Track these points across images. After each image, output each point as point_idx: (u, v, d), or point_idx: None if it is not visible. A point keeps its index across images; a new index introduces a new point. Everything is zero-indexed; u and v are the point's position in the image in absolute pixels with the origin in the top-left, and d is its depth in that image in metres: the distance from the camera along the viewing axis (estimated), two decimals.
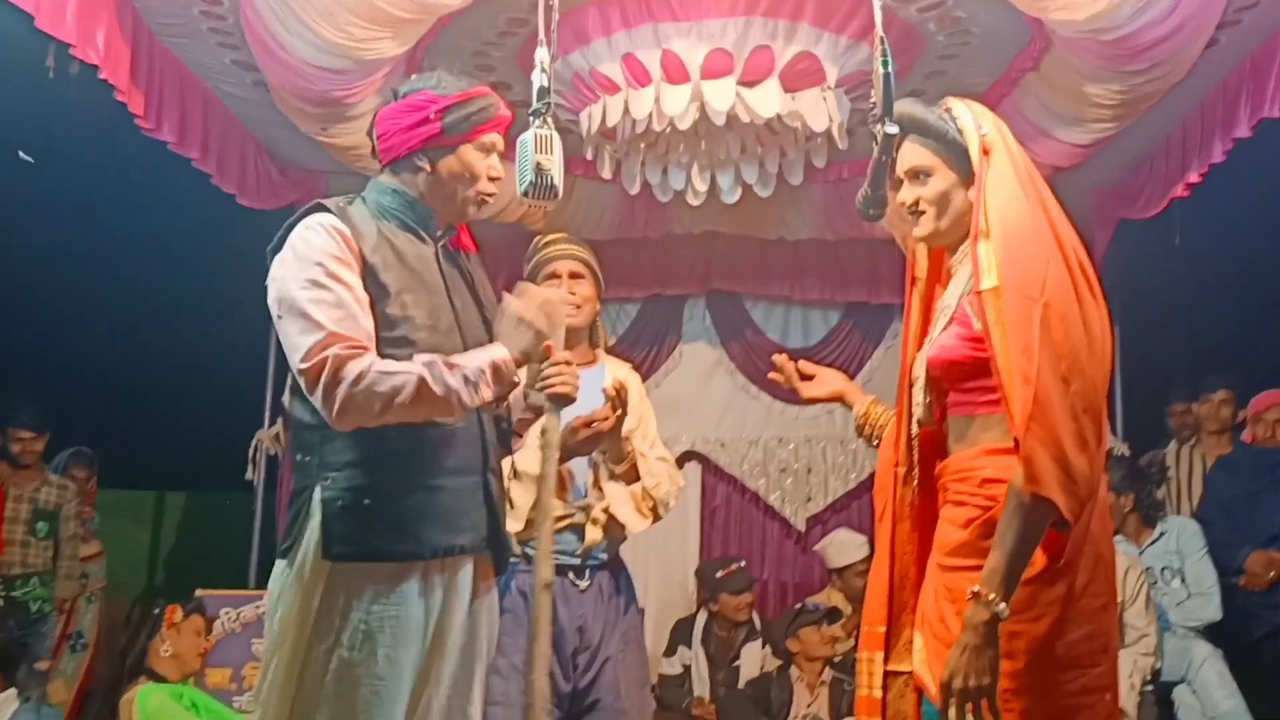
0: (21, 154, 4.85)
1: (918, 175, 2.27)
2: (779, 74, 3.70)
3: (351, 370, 2.00)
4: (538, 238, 3.41)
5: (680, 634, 5.43)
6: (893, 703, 2.28)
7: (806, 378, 2.81)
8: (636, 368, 3.54)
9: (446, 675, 2.18)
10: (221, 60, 4.08)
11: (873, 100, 2.38)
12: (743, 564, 5.41)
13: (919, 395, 2.35)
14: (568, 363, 2.33)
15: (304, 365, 2.02)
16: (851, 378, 2.92)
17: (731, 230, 5.75)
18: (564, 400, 2.34)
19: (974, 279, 2.11)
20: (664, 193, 4.32)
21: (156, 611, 4.09)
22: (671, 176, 4.24)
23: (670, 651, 5.41)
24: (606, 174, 4.31)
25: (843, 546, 5.57)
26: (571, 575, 3.09)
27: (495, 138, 2.29)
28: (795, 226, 5.69)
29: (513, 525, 3.02)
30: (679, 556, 6.09)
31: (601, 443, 2.87)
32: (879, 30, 2.45)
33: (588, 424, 2.74)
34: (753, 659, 5.19)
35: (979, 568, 2.03)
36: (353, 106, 3.85)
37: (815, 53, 3.72)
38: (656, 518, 3.17)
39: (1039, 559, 2.05)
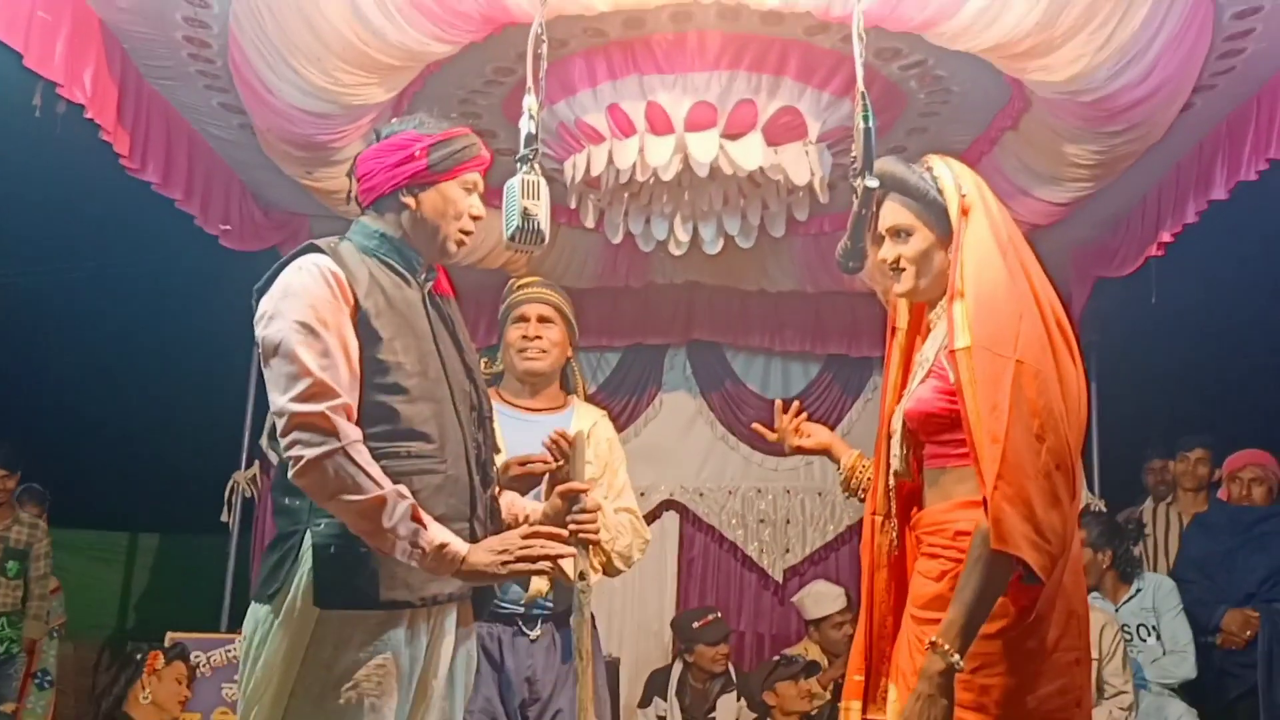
0: None
1: (899, 234, 2.30)
2: (762, 127, 3.74)
3: (343, 439, 1.98)
4: (512, 280, 3.41)
5: (655, 685, 5.38)
6: None
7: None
8: (612, 416, 3.51)
9: None
10: (209, 102, 4.09)
11: (853, 155, 2.41)
12: (719, 615, 5.38)
13: (896, 447, 2.36)
14: (593, 510, 2.49)
15: (294, 408, 1.99)
16: (831, 429, 2.94)
17: (713, 281, 5.79)
18: (587, 544, 2.45)
19: (949, 338, 2.14)
20: (646, 242, 4.35)
21: (139, 657, 4.01)
22: (654, 226, 4.27)
23: (645, 703, 5.36)
24: (590, 223, 4.34)
25: (820, 598, 5.55)
26: (521, 624, 3.05)
27: (477, 177, 2.31)
28: (776, 278, 5.73)
29: None
30: (655, 606, 6.06)
31: (534, 485, 2.74)
32: (860, 86, 2.49)
33: (522, 463, 2.63)
34: (728, 711, 5.15)
35: None
36: (338, 151, 3.87)
37: (798, 107, 3.77)
38: (614, 571, 3.11)
39: (1010, 613, 2.06)
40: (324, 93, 3.43)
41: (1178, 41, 3.20)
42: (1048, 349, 2.12)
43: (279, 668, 2.04)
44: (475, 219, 2.31)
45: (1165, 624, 4.74)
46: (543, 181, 2.30)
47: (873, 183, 2.34)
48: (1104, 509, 5.57)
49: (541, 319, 3.21)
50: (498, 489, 2.46)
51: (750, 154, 3.74)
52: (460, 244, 2.31)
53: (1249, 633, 4.69)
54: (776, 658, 5.01)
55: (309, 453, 1.97)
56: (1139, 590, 4.81)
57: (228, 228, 4.59)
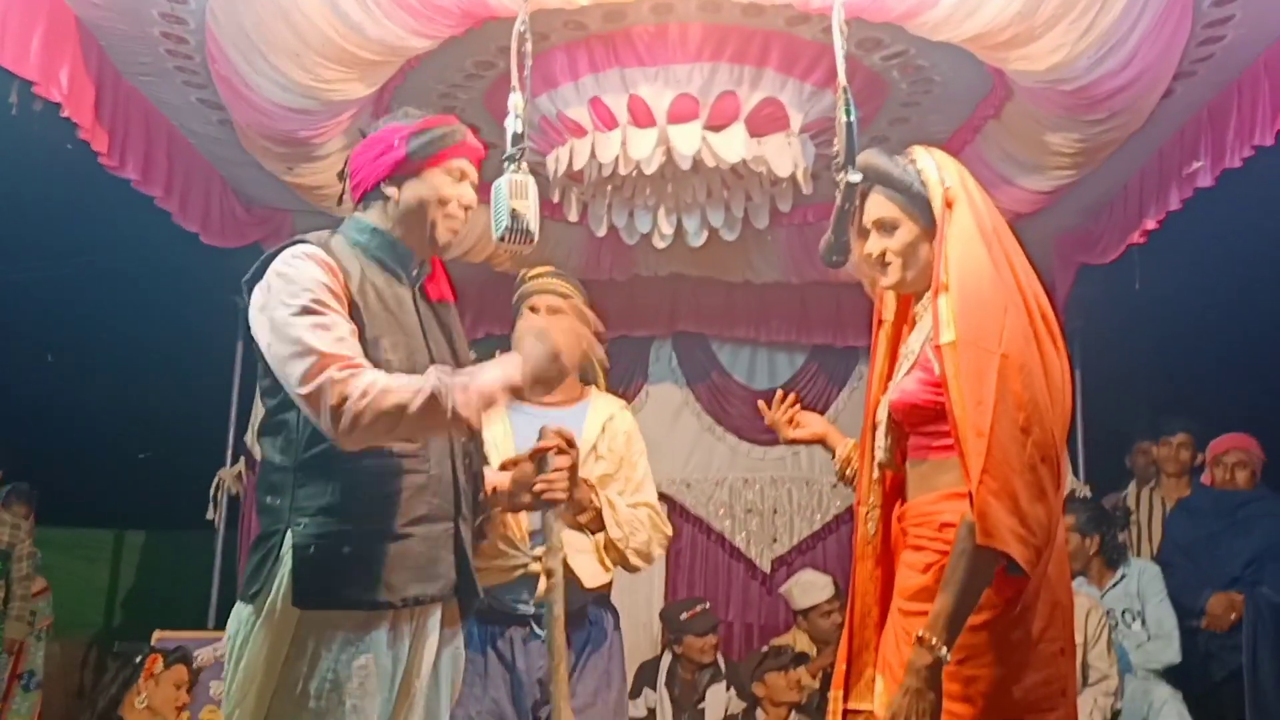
0: None
1: (884, 227, 2.31)
2: (744, 119, 3.73)
3: (355, 388, 1.93)
4: (523, 270, 3.37)
5: (644, 676, 5.39)
6: None
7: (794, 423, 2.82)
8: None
9: None
10: (187, 99, 4.06)
11: (836, 148, 2.41)
12: (707, 605, 5.39)
13: (881, 438, 2.37)
14: (561, 469, 2.47)
15: (304, 390, 1.95)
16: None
17: (698, 273, 5.78)
18: (555, 504, 2.43)
19: (934, 332, 2.14)
20: (630, 235, 4.34)
21: (138, 659, 3.96)
22: (638, 219, 4.26)
23: (635, 694, 5.36)
24: (573, 216, 4.33)
25: (807, 587, 5.56)
26: (534, 625, 3.01)
27: (465, 164, 2.28)
28: (761, 270, 5.73)
29: None
30: (644, 598, 6.06)
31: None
32: (842, 81, 2.48)
33: (514, 463, 2.60)
34: (717, 702, 5.16)
35: None
36: (319, 147, 3.85)
37: (780, 99, 3.76)
38: (632, 567, 3.08)
39: (995, 605, 2.07)
40: (303, 88, 3.41)
41: (1158, 29, 3.20)
42: (1032, 341, 2.12)
43: (261, 668, 2.03)
44: (466, 208, 2.28)
45: (1150, 609, 4.76)
46: (531, 180, 2.29)
47: (855, 177, 2.34)
48: (1090, 494, 5.60)
49: (551, 310, 3.16)
50: (490, 489, 2.46)
51: (733, 146, 3.73)
52: (451, 231, 2.27)
53: (1233, 616, 4.71)
54: (765, 648, 5.02)
55: (344, 414, 1.93)
56: (1124, 576, 4.84)
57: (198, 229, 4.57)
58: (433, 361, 2.21)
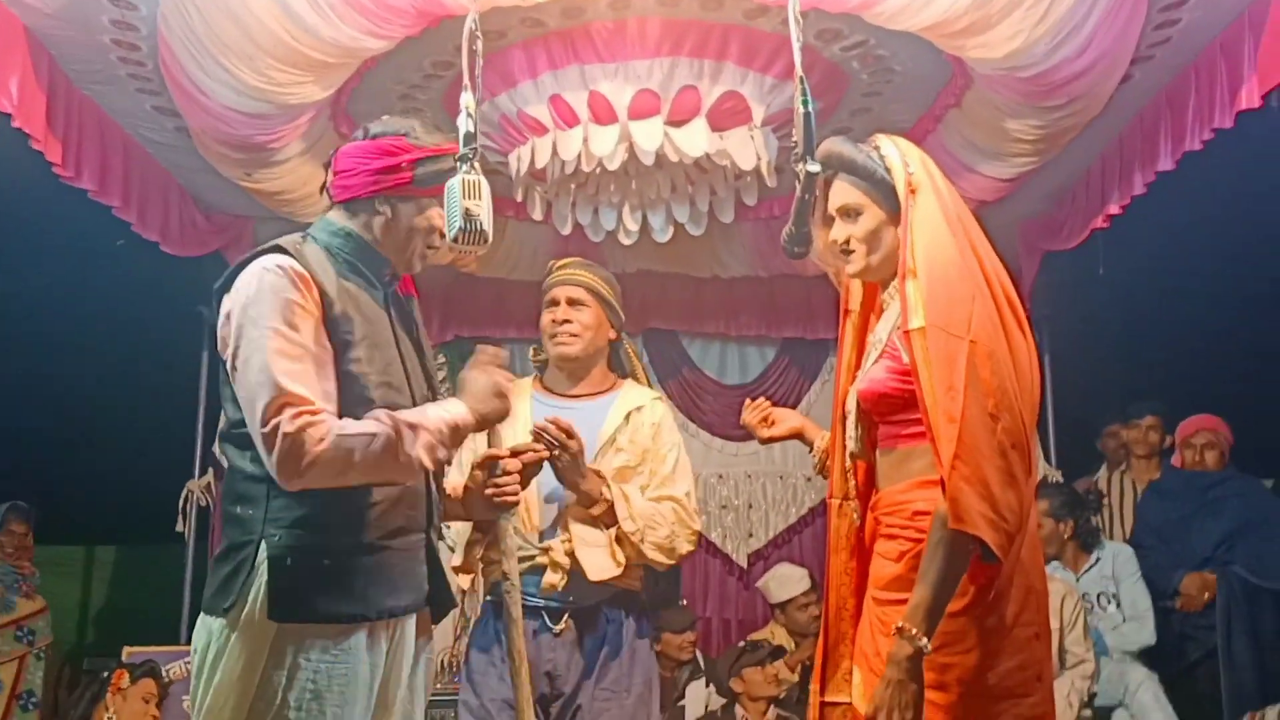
0: None
1: (848, 213, 2.30)
2: (706, 113, 3.72)
3: (312, 437, 1.93)
4: (551, 262, 3.33)
5: None
6: None
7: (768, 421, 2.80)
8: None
9: None
10: (141, 106, 4.01)
11: (794, 139, 2.40)
12: (684, 602, 5.38)
13: (851, 428, 2.37)
14: (512, 472, 2.46)
15: (262, 428, 1.94)
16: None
17: (666, 269, 5.77)
18: (509, 508, 2.40)
19: (902, 317, 2.13)
20: (596, 233, 4.32)
21: (105, 675, 3.91)
22: (603, 217, 4.24)
23: None
24: (538, 215, 4.30)
25: (784, 581, 5.57)
26: (546, 617, 2.98)
27: None
28: (729, 264, 5.73)
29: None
30: None
31: (535, 475, 2.72)
32: (799, 70, 2.47)
33: (515, 454, 2.55)
34: (697, 698, 5.15)
35: None
36: (277, 151, 3.80)
37: (741, 92, 3.75)
38: (658, 564, 3.01)
39: (969, 591, 2.07)
40: (258, 92, 3.37)
41: (1113, 14, 3.21)
42: (999, 327, 2.12)
43: (237, 683, 2.00)
44: (443, 236, 2.28)
45: (1125, 591, 4.80)
46: (484, 180, 2.26)
47: (814, 167, 2.33)
48: (1061, 480, 5.63)
49: (572, 301, 3.14)
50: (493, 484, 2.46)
51: (695, 140, 3.72)
52: (428, 259, 2.29)
53: (1207, 595, 4.75)
54: (742, 644, 5.01)
55: (297, 463, 1.93)
56: (1099, 559, 4.87)
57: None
58: (406, 371, 2.21)
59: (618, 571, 2.97)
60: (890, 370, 2.22)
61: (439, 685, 4.72)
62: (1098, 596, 4.80)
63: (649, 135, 3.68)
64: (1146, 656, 4.70)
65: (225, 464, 2.16)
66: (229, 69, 3.28)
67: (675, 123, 3.71)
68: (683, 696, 5.16)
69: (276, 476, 1.96)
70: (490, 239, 2.30)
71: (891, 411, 2.25)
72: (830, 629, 2.34)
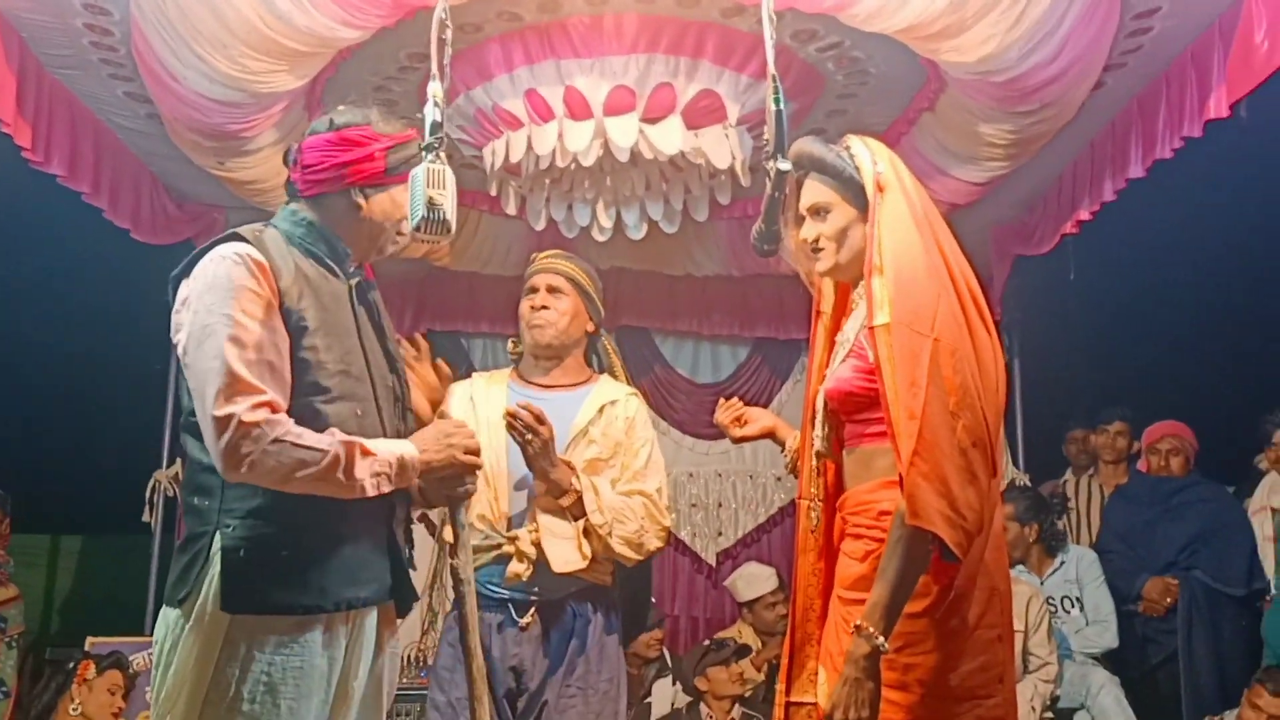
0: None
1: (818, 212, 2.32)
2: (681, 111, 3.73)
3: (264, 434, 1.92)
4: (534, 254, 3.33)
5: None
6: None
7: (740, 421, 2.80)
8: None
9: None
10: (113, 92, 3.97)
11: (766, 136, 2.41)
12: (652, 600, 5.37)
13: (818, 428, 2.38)
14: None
15: (215, 414, 1.92)
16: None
17: (639, 266, 5.77)
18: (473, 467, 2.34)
19: (868, 313, 2.14)
20: (570, 229, 4.31)
21: (71, 665, 3.86)
22: (577, 212, 4.23)
23: None
24: (511, 210, 4.29)
25: (752, 579, 5.57)
26: (512, 610, 2.97)
27: None
28: (702, 262, 5.73)
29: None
30: None
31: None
32: (771, 69, 2.49)
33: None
34: (663, 696, 5.15)
35: None
36: (250, 140, 3.77)
37: (717, 90, 3.75)
38: (626, 559, 2.99)
39: (930, 592, 2.08)
40: (231, 80, 3.34)
41: (1086, 21, 3.24)
42: (964, 326, 2.14)
43: (191, 674, 1.99)
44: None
45: (1088, 594, 4.84)
46: (449, 170, 2.26)
47: (785, 166, 2.35)
48: (1029, 483, 5.68)
49: (551, 289, 3.13)
50: None
51: (670, 138, 3.72)
52: (394, 245, 2.29)
53: (1169, 600, 4.81)
54: (707, 642, 5.01)
55: (242, 458, 1.92)
56: (1063, 563, 4.91)
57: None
58: (368, 361, 2.20)
59: (583, 564, 2.95)
60: (856, 369, 2.24)
61: (405, 680, 4.71)
62: (1061, 600, 4.84)
63: (624, 131, 3.68)
64: (1108, 659, 4.75)
65: (189, 456, 2.14)
66: (202, 56, 3.25)
67: (650, 120, 3.71)
68: (649, 694, 5.16)
69: (218, 464, 1.95)
70: (453, 229, 2.30)
71: (857, 410, 2.26)
72: (797, 629, 2.34)
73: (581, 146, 3.70)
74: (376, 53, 3.82)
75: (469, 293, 5.92)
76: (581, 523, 2.95)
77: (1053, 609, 4.70)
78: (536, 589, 2.96)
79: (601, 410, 3.11)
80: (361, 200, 2.20)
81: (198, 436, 2.05)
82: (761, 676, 5.08)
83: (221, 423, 1.92)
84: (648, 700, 5.14)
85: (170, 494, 5.67)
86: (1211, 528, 4.92)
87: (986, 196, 4.50)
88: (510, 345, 3.33)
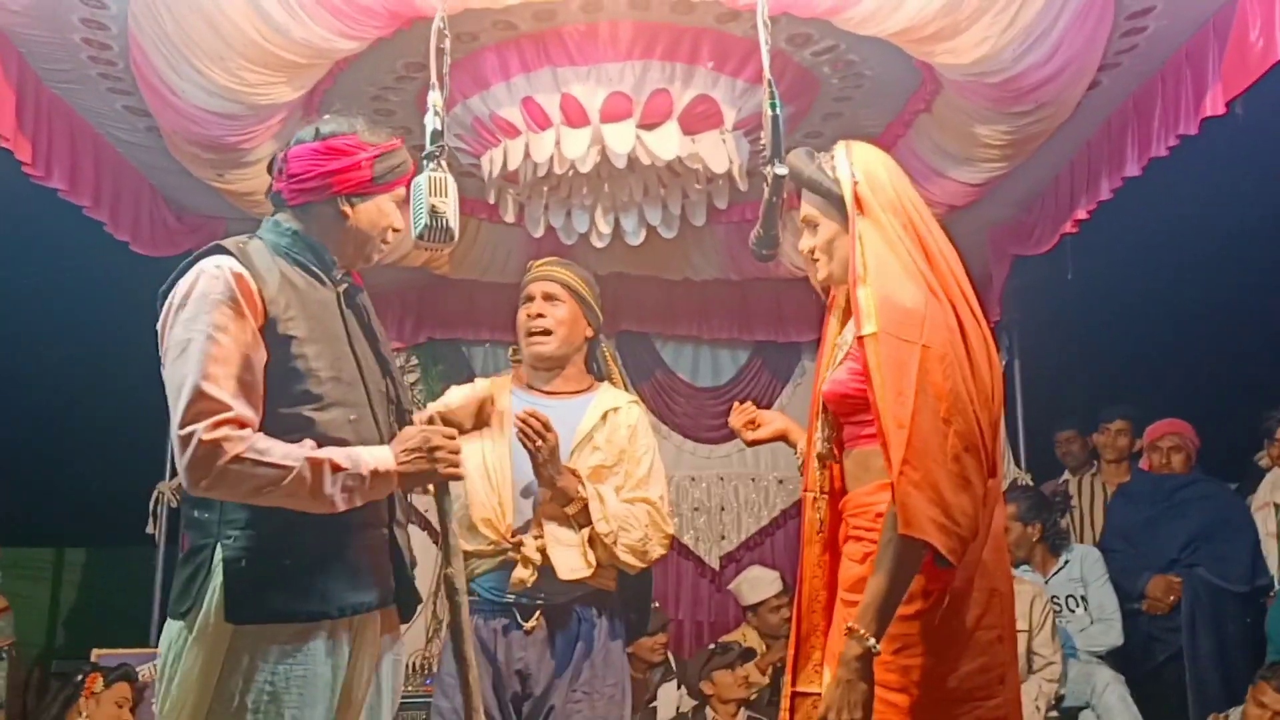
0: None
1: (809, 224, 2.37)
2: (678, 117, 3.73)
3: (223, 452, 1.92)
4: (530, 261, 3.32)
5: None
6: None
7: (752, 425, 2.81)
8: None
9: None
10: (112, 106, 3.98)
11: (763, 143, 2.43)
12: (656, 604, 5.37)
13: (820, 429, 2.39)
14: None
15: (179, 431, 1.94)
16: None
17: (638, 272, 5.77)
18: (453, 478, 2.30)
19: (855, 324, 2.16)
20: (568, 235, 4.33)
21: (79, 678, 3.86)
22: (575, 219, 4.24)
23: None
24: (510, 218, 4.30)
25: (755, 583, 5.58)
26: (517, 615, 2.97)
27: (404, 191, 2.31)
28: (701, 267, 5.74)
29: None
30: None
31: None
32: (767, 74, 2.50)
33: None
34: (668, 700, 5.16)
35: None
36: (249, 152, 3.78)
37: (713, 96, 3.76)
38: (629, 566, 3.01)
39: (927, 595, 2.08)
40: (229, 92, 3.36)
41: (1080, 21, 3.24)
42: (955, 330, 2.14)
43: (194, 686, 2.00)
44: (395, 231, 2.31)
45: (1092, 593, 4.84)
46: (450, 178, 2.27)
47: (782, 170, 2.36)
48: (1031, 483, 5.68)
49: (547, 296, 3.13)
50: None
51: (667, 143, 3.72)
52: (379, 253, 2.31)
53: (1172, 598, 4.81)
54: (712, 646, 5.02)
55: (205, 473, 1.93)
56: (1067, 562, 4.91)
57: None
58: (359, 367, 2.20)
59: (588, 572, 2.97)
60: (852, 372, 2.25)
61: (410, 687, 4.71)
62: (1066, 599, 4.84)
63: (621, 138, 3.69)
64: (1113, 658, 4.75)
65: None
66: (200, 69, 3.27)
67: (647, 126, 3.71)
68: (654, 698, 5.17)
69: (184, 480, 1.96)
70: (456, 237, 2.31)
71: (853, 412, 2.27)
72: (802, 621, 2.35)
73: (579, 153, 3.71)
74: (373, 63, 3.83)
75: (469, 301, 5.93)
76: (587, 531, 2.96)
77: (1057, 608, 4.70)
78: (541, 594, 2.98)
79: (605, 417, 3.13)
80: (348, 209, 2.21)
81: None
82: (766, 680, 5.08)
83: (183, 441, 1.93)
84: (653, 704, 5.15)
85: (174, 506, 5.66)
86: (1214, 525, 4.93)
87: (984, 197, 4.50)
88: (511, 353, 3.35)
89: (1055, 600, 4.72)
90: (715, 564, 6.21)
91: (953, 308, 2.16)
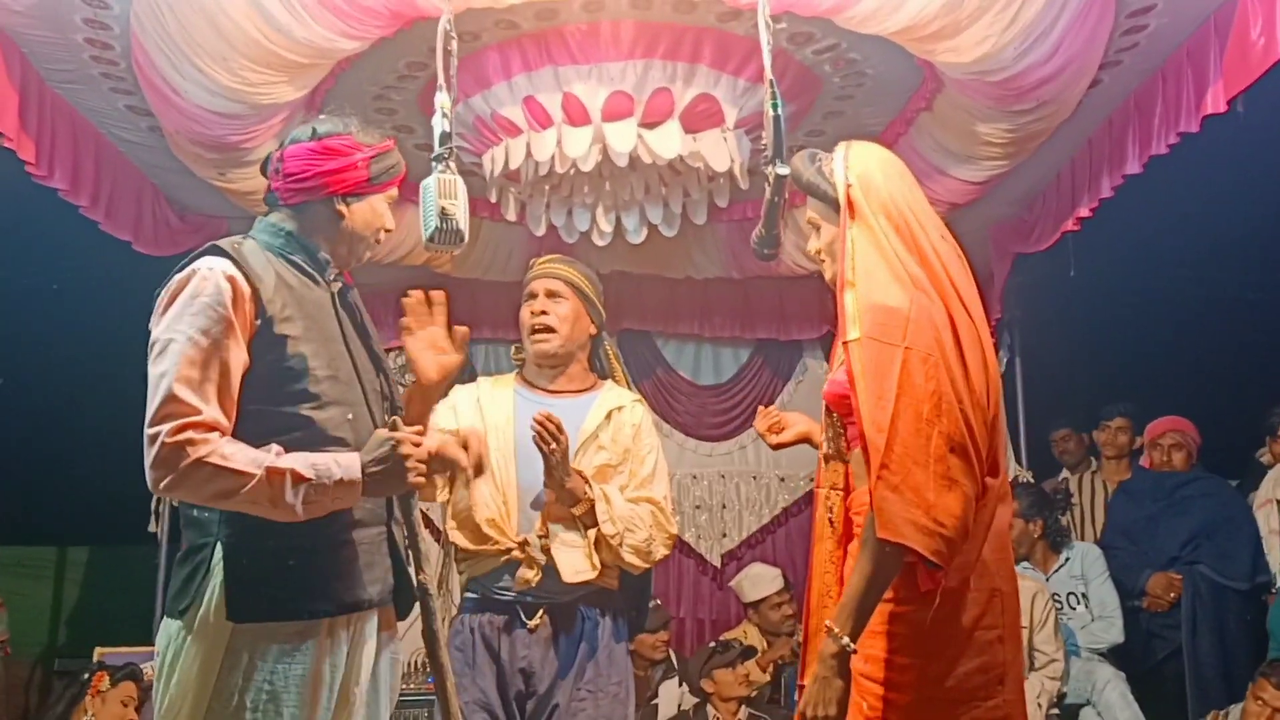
0: None
1: (813, 226, 2.38)
2: (679, 115, 3.74)
3: (183, 456, 1.92)
4: (532, 259, 3.32)
5: None
6: None
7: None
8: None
9: None
10: (115, 105, 3.99)
11: (764, 142, 2.43)
12: (658, 602, 5.38)
13: (827, 429, 2.41)
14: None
15: (148, 430, 1.94)
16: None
17: (639, 270, 5.78)
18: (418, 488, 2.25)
19: (843, 329, 2.16)
20: (570, 234, 4.33)
21: (85, 676, 3.85)
22: (576, 218, 4.25)
23: None
24: (511, 216, 4.31)
25: (757, 580, 5.59)
26: (520, 613, 2.97)
27: (396, 191, 2.32)
28: (702, 265, 5.74)
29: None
30: None
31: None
32: (768, 74, 2.50)
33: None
34: (670, 698, 5.16)
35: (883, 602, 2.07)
36: (251, 152, 3.79)
37: (714, 94, 3.77)
38: (632, 566, 3.00)
39: (918, 594, 2.08)
40: (231, 92, 3.36)
41: (1081, 19, 3.25)
42: (946, 330, 2.12)
43: (193, 684, 2.01)
44: (388, 231, 2.32)
45: (1093, 590, 4.85)
46: (459, 180, 2.27)
47: (783, 170, 2.37)
48: (1032, 480, 5.68)
49: (550, 294, 3.12)
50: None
51: (669, 142, 3.73)
52: (371, 252, 2.32)
53: (1173, 595, 4.82)
54: (713, 644, 5.02)
55: (169, 473, 1.93)
56: (1068, 559, 4.92)
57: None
58: (355, 365, 2.21)
59: (593, 575, 2.97)
60: (849, 374, 2.25)
61: (412, 686, 4.72)
62: (1067, 596, 4.85)
63: (623, 137, 3.69)
64: (1114, 655, 4.76)
65: None
66: (202, 69, 3.27)
67: (649, 124, 3.72)
68: (656, 696, 5.17)
69: (148, 478, 1.96)
70: (466, 239, 2.31)
71: (852, 413, 2.27)
72: (813, 616, 2.35)
73: (580, 152, 3.71)
74: (375, 62, 3.83)
75: (470, 299, 5.92)
76: (593, 533, 2.96)
77: (1058, 605, 4.71)
78: (545, 593, 2.98)
79: (609, 416, 3.12)
80: (344, 209, 2.22)
81: None
82: (767, 677, 5.09)
83: (149, 440, 1.94)
84: (655, 702, 5.15)
85: (175, 504, 5.67)
86: (1215, 522, 4.93)
87: (985, 195, 4.50)
88: (513, 351, 3.34)
89: (1056, 597, 4.72)
90: (717, 561, 6.22)
91: (946, 308, 2.15)
